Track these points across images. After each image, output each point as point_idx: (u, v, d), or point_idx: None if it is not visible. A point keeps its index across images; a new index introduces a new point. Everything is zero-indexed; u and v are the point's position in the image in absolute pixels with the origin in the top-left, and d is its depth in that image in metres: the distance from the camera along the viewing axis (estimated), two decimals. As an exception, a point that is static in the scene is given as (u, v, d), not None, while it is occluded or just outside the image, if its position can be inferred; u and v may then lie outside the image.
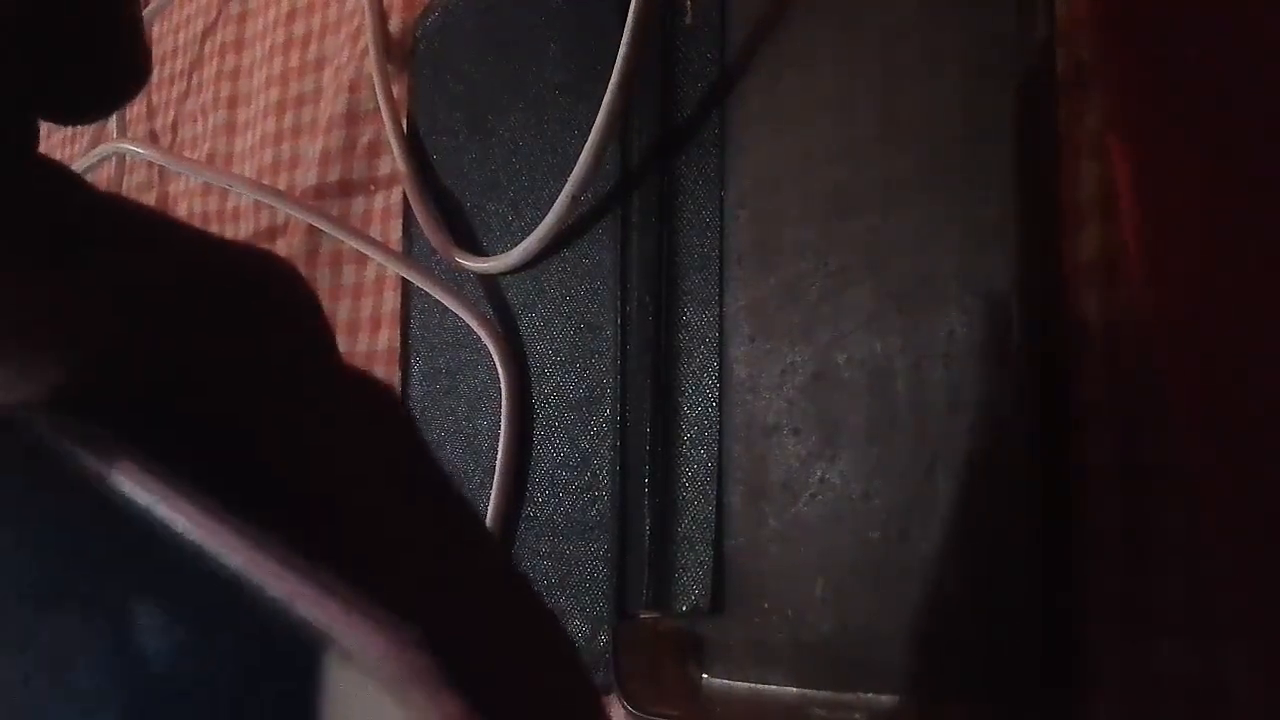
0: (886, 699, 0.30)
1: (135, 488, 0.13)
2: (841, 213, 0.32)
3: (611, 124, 0.38)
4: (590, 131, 0.38)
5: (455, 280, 0.45)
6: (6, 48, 0.16)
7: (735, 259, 0.35)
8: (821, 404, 0.32)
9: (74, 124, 0.19)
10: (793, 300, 0.33)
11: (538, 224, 0.40)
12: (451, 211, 0.46)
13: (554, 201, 0.40)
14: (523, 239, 0.41)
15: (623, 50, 0.37)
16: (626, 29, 0.37)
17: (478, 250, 0.44)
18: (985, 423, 0.29)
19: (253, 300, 0.16)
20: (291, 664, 0.11)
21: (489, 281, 0.44)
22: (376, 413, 0.17)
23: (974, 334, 0.29)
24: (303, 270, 0.56)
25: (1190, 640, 0.26)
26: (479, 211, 0.45)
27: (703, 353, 0.36)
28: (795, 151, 0.34)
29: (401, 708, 0.11)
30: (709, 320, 0.36)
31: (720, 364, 0.35)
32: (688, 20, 0.38)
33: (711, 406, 0.35)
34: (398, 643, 0.11)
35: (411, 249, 0.47)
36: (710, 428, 0.35)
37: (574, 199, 0.39)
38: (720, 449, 0.35)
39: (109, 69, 0.18)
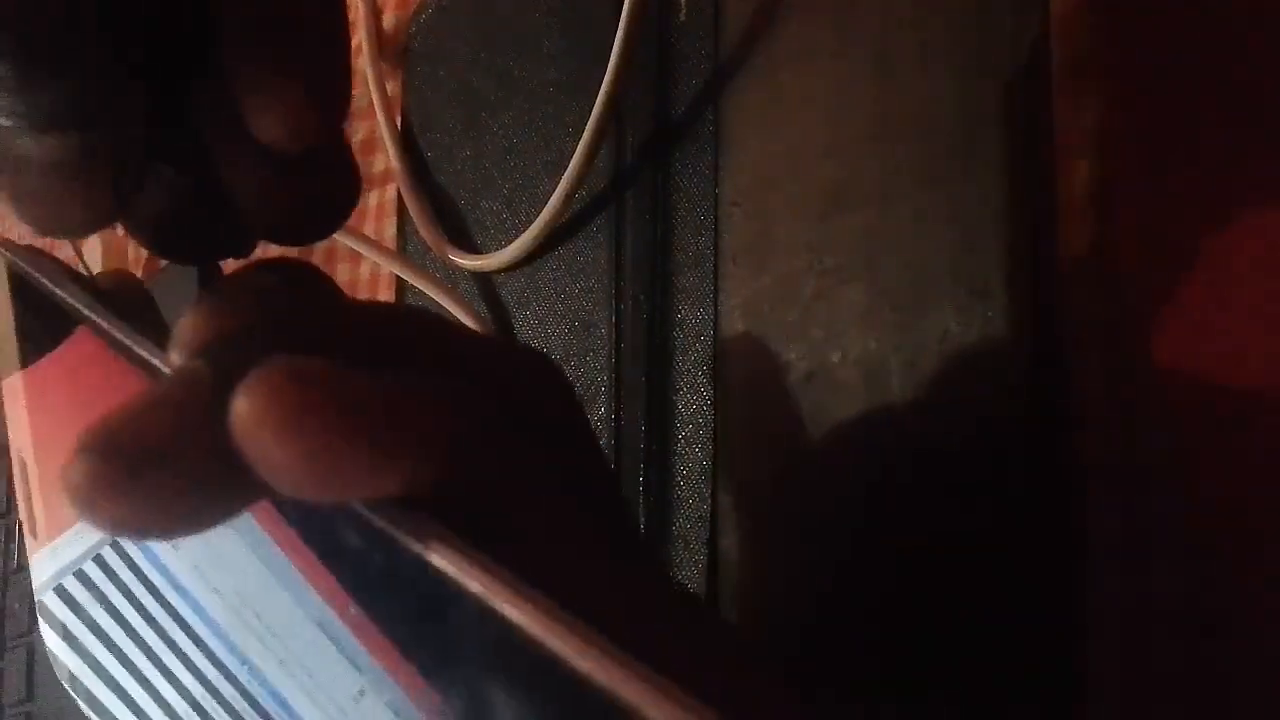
0: (884, 699, 0.30)
1: (459, 572, 0.15)
2: (836, 210, 0.32)
3: (605, 121, 0.38)
4: (584, 128, 0.38)
5: (449, 278, 0.44)
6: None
7: (730, 256, 0.35)
8: (816, 402, 0.32)
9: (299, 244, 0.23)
10: (787, 298, 0.33)
11: (532, 221, 0.40)
12: (445, 209, 0.45)
13: (548, 199, 0.39)
14: (517, 236, 0.41)
15: (616, 46, 0.37)
16: (620, 25, 0.37)
17: (472, 248, 0.44)
18: (980, 422, 0.28)
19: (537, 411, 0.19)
20: None
21: (483, 279, 0.43)
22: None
23: (969, 332, 0.29)
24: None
25: (1190, 640, 0.25)
26: (473, 209, 0.44)
27: (697, 351, 0.35)
28: (789, 148, 0.34)
29: None
30: (704, 318, 0.35)
31: (714, 361, 0.35)
32: (682, 16, 0.38)
33: (706, 404, 0.35)
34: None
35: (405, 246, 0.46)
36: (705, 426, 0.35)
37: (568, 196, 0.39)
38: (715, 447, 0.34)
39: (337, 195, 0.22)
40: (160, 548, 0.24)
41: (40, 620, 0.28)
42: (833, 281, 0.32)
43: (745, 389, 0.34)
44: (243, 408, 0.16)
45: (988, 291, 0.29)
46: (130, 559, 0.26)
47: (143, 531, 0.17)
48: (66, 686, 0.27)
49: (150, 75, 0.20)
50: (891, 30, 0.32)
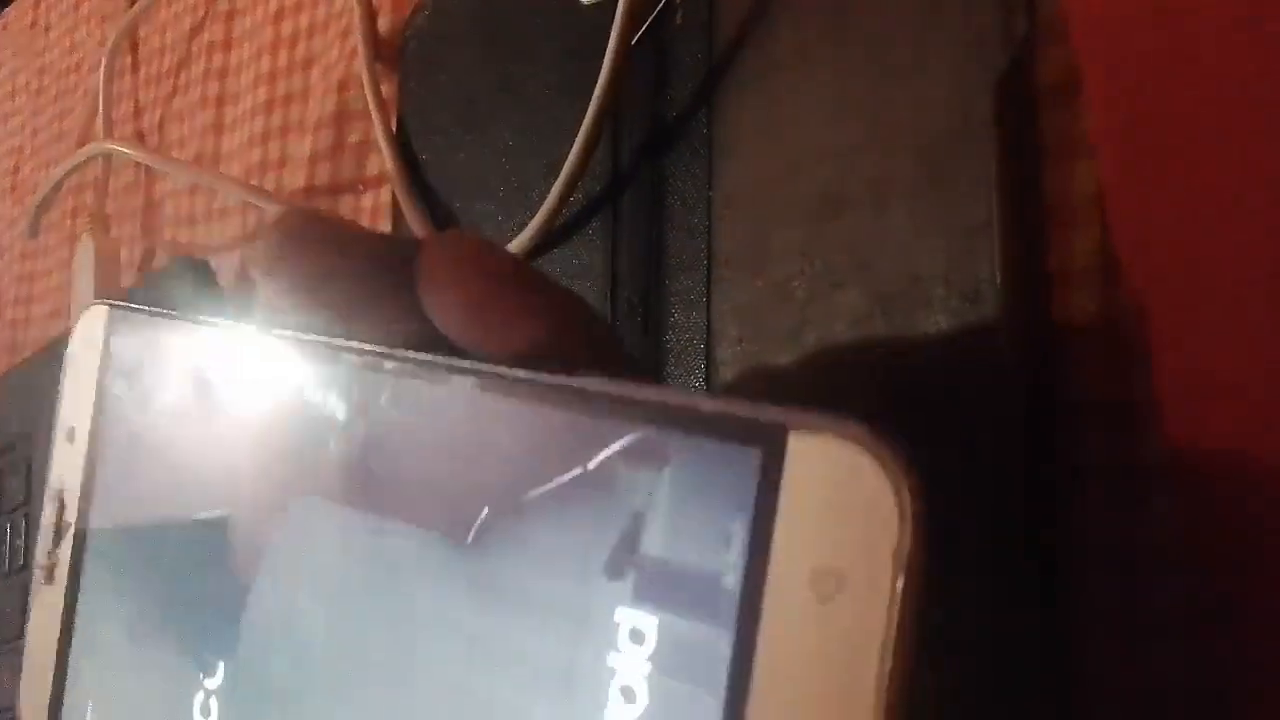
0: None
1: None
2: (830, 214, 0.32)
3: (600, 124, 0.38)
4: (579, 132, 0.38)
5: (444, 281, 0.44)
6: None
7: (723, 260, 0.35)
8: (810, 406, 0.32)
9: None
10: (781, 302, 0.33)
11: (527, 224, 0.40)
12: (440, 212, 0.45)
13: (543, 202, 0.39)
14: (512, 239, 0.41)
15: (611, 49, 0.37)
16: (615, 28, 0.37)
17: (466, 251, 0.44)
18: (978, 425, 0.28)
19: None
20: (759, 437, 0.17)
21: (478, 282, 0.43)
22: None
23: (963, 337, 0.29)
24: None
25: (1190, 640, 0.25)
26: (468, 212, 0.44)
27: (691, 354, 0.35)
28: (783, 152, 0.34)
29: (863, 449, 0.16)
30: (697, 322, 0.35)
31: (708, 366, 0.35)
32: (678, 19, 0.38)
33: (701, 408, 0.35)
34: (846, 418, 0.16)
35: (400, 250, 0.46)
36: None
37: (563, 200, 0.39)
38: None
39: None
40: None
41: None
42: (826, 285, 0.32)
43: (738, 393, 0.34)
44: (427, 253, 0.20)
45: (982, 296, 0.29)
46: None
47: (309, 300, 0.20)
48: None
49: None
50: (887, 35, 0.32)
